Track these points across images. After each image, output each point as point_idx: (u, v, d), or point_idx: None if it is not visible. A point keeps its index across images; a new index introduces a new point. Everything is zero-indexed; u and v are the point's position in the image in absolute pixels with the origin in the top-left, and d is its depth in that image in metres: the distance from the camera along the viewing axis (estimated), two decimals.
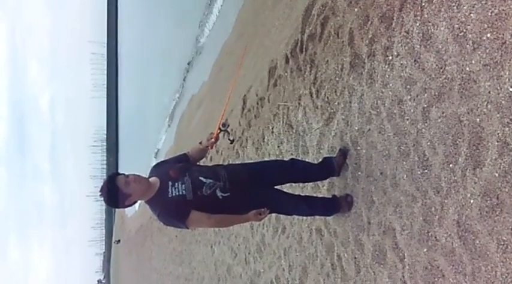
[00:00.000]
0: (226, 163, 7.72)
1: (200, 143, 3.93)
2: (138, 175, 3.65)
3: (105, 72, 52.15)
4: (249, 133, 7.32)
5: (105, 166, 54.48)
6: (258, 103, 6.97)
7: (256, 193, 3.83)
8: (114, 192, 3.54)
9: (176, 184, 3.62)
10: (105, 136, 54.51)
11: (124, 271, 32.87)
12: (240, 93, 8.10)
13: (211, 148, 4.00)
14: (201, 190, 3.62)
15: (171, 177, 3.66)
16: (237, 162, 6.91)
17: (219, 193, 3.67)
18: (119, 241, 37.76)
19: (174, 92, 18.07)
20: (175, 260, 12.96)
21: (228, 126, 4.06)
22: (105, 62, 52.32)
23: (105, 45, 51.68)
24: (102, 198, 3.62)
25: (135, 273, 24.69)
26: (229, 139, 3.99)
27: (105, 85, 52.15)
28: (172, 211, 3.63)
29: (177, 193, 3.60)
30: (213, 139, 3.87)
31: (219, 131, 3.93)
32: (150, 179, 3.73)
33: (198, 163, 4.10)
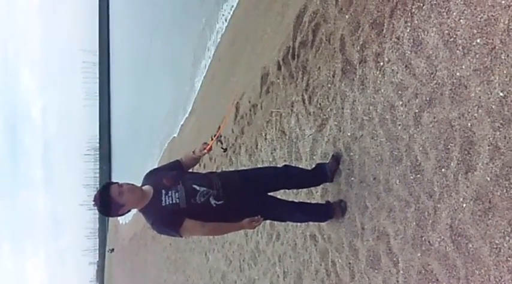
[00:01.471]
0: (219, 170, 7.72)
1: (193, 152, 3.92)
2: (132, 185, 3.64)
3: (97, 80, 52.06)
4: (242, 140, 7.33)
5: (98, 175, 54.25)
6: (250, 110, 6.98)
7: (250, 201, 3.83)
8: (108, 202, 3.53)
9: (170, 192, 3.62)
10: (98, 145, 54.32)
11: (118, 280, 32.67)
12: (233, 100, 8.11)
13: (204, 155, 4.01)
14: (194, 198, 3.62)
15: (165, 185, 3.65)
16: (230, 169, 6.91)
17: (212, 201, 3.66)
18: (112, 250, 37.52)
19: (168, 99, 18.05)
20: (170, 268, 12.90)
21: (221, 136, 4.07)
22: (97, 70, 52.24)
23: (97, 53, 51.63)
24: (95, 207, 3.61)
25: (129, 282, 24.56)
26: (222, 148, 3.99)
27: (97, 94, 52.03)
28: (166, 219, 3.63)
29: (171, 202, 3.59)
30: (205, 151, 3.85)
31: (212, 142, 3.92)
32: (144, 187, 3.73)
33: (191, 171, 4.11)
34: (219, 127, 4.07)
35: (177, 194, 3.61)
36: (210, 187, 3.67)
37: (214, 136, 3.96)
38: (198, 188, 3.66)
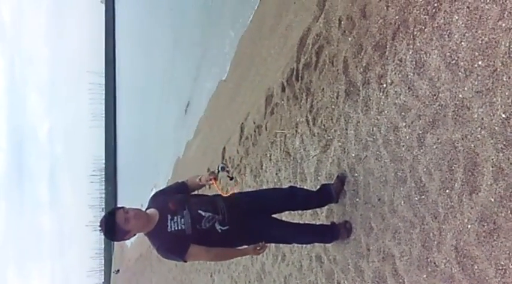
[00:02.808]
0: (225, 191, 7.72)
1: (200, 179, 3.86)
2: (138, 211, 3.65)
3: (103, 101, 52.33)
4: (247, 160, 7.35)
5: (103, 196, 54.18)
6: (255, 131, 7.01)
7: (255, 225, 3.84)
8: (114, 228, 3.56)
9: (175, 218, 3.63)
10: (104, 166, 54.38)
11: None
12: (238, 121, 8.16)
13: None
14: (200, 224, 3.63)
15: (170, 210, 3.66)
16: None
17: (218, 227, 3.67)
18: (118, 271, 37.32)
19: (173, 120, 18.12)
20: None
21: (228, 166, 4.06)
22: (103, 92, 52.56)
23: (103, 75, 52.00)
24: (101, 232, 3.63)
25: None
26: (229, 177, 3.99)
27: (103, 115, 52.27)
28: (171, 246, 3.65)
29: (176, 228, 3.60)
30: (211, 182, 3.78)
31: (217, 182, 3.82)
32: (149, 211, 3.74)
33: (197, 192, 4.10)
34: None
35: (182, 220, 3.62)
36: (216, 212, 3.67)
37: (221, 168, 3.90)
38: (203, 213, 3.66)
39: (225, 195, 3.75)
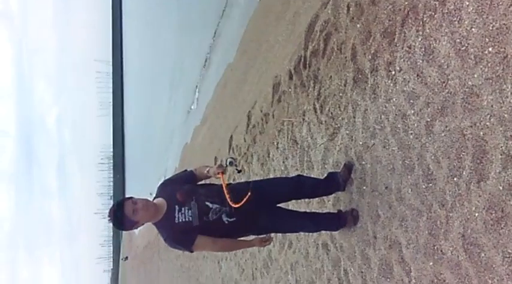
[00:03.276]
0: (231, 180, 7.73)
1: (207, 171, 3.84)
2: (146, 202, 3.67)
3: (111, 90, 52.42)
4: (254, 149, 7.34)
5: (111, 184, 54.51)
6: (262, 119, 7.00)
7: (262, 217, 3.86)
8: (122, 218, 3.59)
9: (183, 209, 3.65)
10: (112, 154, 54.60)
11: None
12: (245, 109, 8.15)
13: None
14: (207, 216, 3.66)
15: (178, 201, 3.69)
16: (242, 181, 6.92)
17: (224, 218, 3.69)
18: (126, 258, 37.61)
19: (180, 107, 18.13)
20: (183, 276, 12.92)
21: (236, 160, 4.03)
22: (111, 80, 52.64)
23: (111, 63, 52.04)
24: (110, 222, 3.67)
25: None
26: (236, 170, 3.98)
27: (111, 104, 52.38)
28: (179, 237, 3.70)
29: (184, 219, 3.63)
30: (219, 175, 3.76)
31: (226, 167, 3.80)
32: (157, 201, 3.77)
33: (204, 182, 4.10)
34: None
35: (190, 211, 3.64)
36: (223, 203, 3.66)
37: (229, 162, 3.86)
38: (211, 205, 3.69)
39: (228, 197, 3.61)
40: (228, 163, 3.78)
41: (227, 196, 3.56)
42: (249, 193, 3.46)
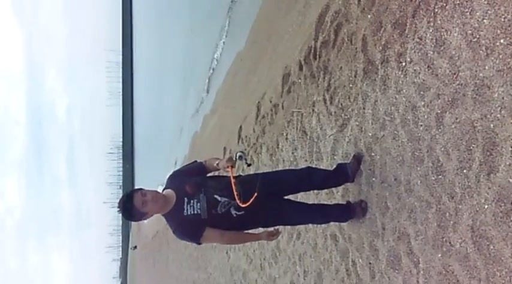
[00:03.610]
0: (241, 171, 7.75)
1: (217, 164, 3.83)
2: (156, 193, 3.69)
3: (121, 80, 52.59)
4: (263, 139, 7.35)
5: (121, 173, 54.83)
6: (272, 110, 7.00)
7: (271, 210, 3.87)
8: (131, 210, 3.63)
9: (192, 201, 3.67)
10: (121, 144, 54.88)
11: (141, 277, 32.98)
12: (254, 100, 8.15)
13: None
14: (215, 209, 3.68)
15: (187, 193, 3.71)
16: (251, 173, 6.93)
17: (233, 212, 3.71)
18: (135, 247, 37.94)
19: (190, 97, 18.16)
20: (192, 265, 13.01)
21: (246, 154, 4.03)
22: (121, 70, 52.78)
23: (121, 53, 52.16)
24: (119, 213, 3.71)
25: (151, 279, 24.78)
26: (246, 163, 3.99)
27: (121, 93, 52.57)
28: (187, 230, 3.74)
29: (192, 212, 3.66)
30: (228, 169, 3.74)
31: (235, 161, 3.80)
32: (166, 192, 3.79)
33: (213, 174, 4.10)
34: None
35: (198, 204, 3.66)
36: (231, 197, 3.64)
37: (238, 157, 3.86)
38: (219, 199, 3.70)
39: (236, 195, 3.61)
40: (237, 157, 3.78)
41: (235, 193, 3.57)
42: (256, 194, 3.46)
